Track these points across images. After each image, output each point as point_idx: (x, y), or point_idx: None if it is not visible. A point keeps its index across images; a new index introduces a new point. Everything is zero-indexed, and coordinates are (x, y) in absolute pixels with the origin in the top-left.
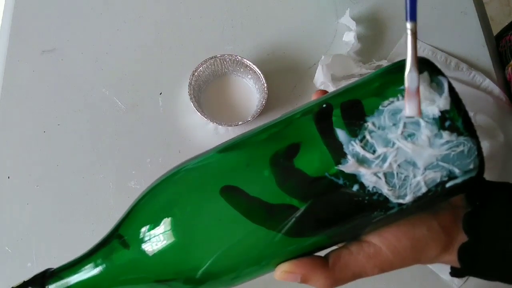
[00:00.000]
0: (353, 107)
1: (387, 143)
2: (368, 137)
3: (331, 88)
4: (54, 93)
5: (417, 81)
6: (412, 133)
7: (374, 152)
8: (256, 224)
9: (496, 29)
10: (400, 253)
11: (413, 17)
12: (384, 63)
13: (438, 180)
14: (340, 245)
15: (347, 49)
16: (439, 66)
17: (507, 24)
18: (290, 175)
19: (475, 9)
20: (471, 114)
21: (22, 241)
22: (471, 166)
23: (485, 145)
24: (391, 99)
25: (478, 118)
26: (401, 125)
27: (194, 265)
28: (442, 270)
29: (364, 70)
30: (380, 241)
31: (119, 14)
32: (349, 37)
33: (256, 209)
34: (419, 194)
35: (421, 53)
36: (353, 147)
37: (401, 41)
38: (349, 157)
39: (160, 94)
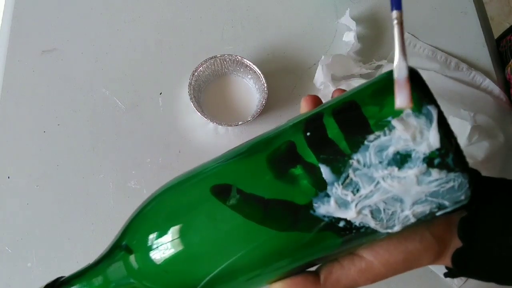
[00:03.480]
0: (331, 144)
1: (372, 181)
2: (352, 175)
3: (331, 88)
4: (54, 93)
5: (406, 71)
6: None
7: (358, 190)
8: (256, 225)
9: (496, 29)
10: (392, 266)
11: (398, 5)
12: (384, 63)
13: (427, 212)
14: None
15: (347, 49)
16: (439, 66)
17: (507, 24)
18: (291, 163)
19: (475, 9)
20: (471, 114)
21: (22, 241)
22: (462, 198)
23: (485, 145)
24: (377, 133)
25: (478, 118)
26: (387, 163)
27: (198, 273)
28: (442, 269)
29: (364, 70)
30: (372, 255)
31: (119, 14)
32: (349, 37)
33: (252, 206)
34: (408, 223)
35: (421, 53)
36: (336, 189)
37: None
38: (332, 198)
39: (160, 94)
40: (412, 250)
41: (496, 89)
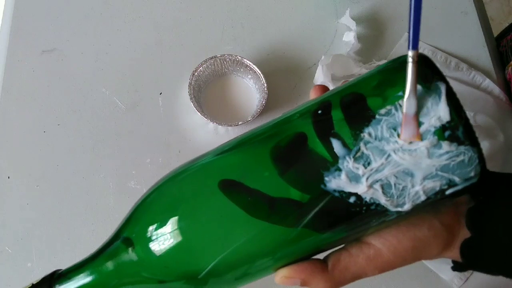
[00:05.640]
0: (350, 113)
1: (383, 154)
2: (363, 148)
3: (331, 88)
4: (54, 93)
5: (415, 108)
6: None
7: (369, 164)
8: (257, 220)
9: (496, 29)
10: (401, 254)
11: (415, 45)
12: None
13: (438, 189)
14: (339, 246)
15: (347, 49)
16: (439, 66)
17: (507, 24)
18: (293, 163)
19: (475, 9)
20: (471, 114)
21: (22, 241)
22: (472, 174)
23: (485, 145)
24: (388, 107)
25: (478, 118)
26: (398, 136)
27: (199, 264)
28: (442, 269)
29: (364, 70)
30: (380, 242)
31: (119, 14)
32: (349, 37)
33: (256, 203)
34: (418, 202)
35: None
36: (347, 162)
37: (401, 41)
38: (343, 172)
39: (160, 94)
40: (421, 237)
41: (496, 89)
